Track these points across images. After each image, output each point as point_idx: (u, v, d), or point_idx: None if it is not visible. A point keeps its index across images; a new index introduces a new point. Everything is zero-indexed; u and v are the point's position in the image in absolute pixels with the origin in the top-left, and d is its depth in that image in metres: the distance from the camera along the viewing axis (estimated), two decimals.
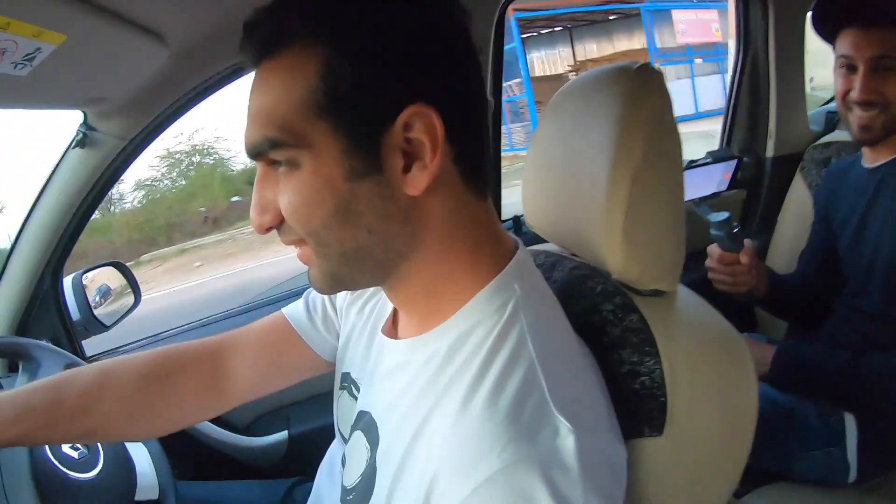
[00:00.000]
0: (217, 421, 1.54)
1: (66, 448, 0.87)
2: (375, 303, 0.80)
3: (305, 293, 0.91)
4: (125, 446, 1.00)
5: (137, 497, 0.94)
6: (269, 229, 0.61)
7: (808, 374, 1.26)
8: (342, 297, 0.86)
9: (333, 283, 0.64)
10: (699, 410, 0.66)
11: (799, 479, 1.28)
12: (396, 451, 0.61)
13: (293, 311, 0.90)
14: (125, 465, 0.96)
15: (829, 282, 1.44)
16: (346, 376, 0.81)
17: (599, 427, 0.58)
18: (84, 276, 1.45)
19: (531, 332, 0.59)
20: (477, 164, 0.62)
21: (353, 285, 0.67)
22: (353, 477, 0.69)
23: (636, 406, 0.66)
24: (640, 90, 0.66)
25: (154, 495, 0.97)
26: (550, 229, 0.81)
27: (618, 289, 0.73)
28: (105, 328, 1.47)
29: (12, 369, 1.32)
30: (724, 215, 1.27)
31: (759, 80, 1.94)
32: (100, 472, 0.89)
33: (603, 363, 0.66)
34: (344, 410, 0.81)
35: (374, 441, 0.66)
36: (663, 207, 0.69)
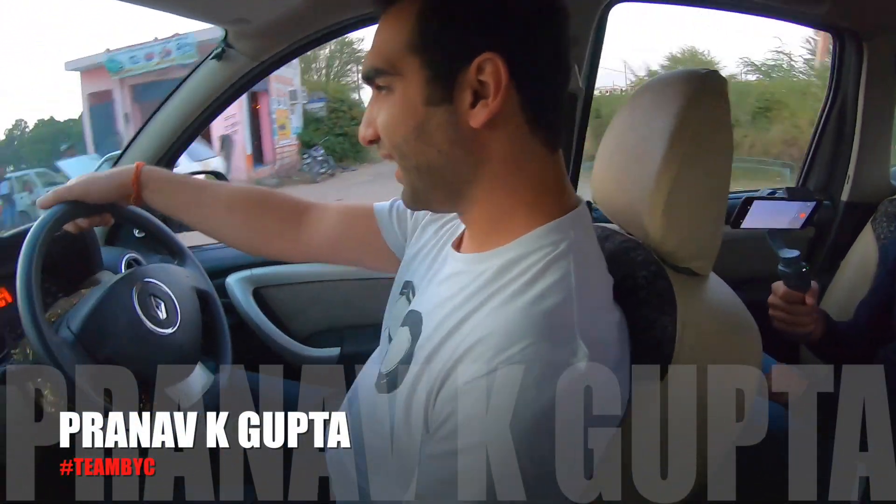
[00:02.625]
0: (279, 326, 1.70)
1: (153, 310, 1.02)
2: (451, 226, 0.91)
3: (394, 199, 1.04)
4: (200, 318, 1.15)
5: (196, 372, 1.08)
6: (370, 142, 0.74)
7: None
8: (423, 213, 0.98)
9: (415, 198, 0.77)
10: (699, 371, 0.76)
11: None
12: (432, 342, 0.71)
13: (380, 205, 1.05)
14: (196, 331, 1.11)
15: (883, 334, 1.40)
16: (407, 283, 0.92)
17: (608, 363, 0.66)
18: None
19: (575, 272, 0.68)
20: (546, 116, 0.71)
21: (431, 204, 0.79)
22: (390, 364, 0.79)
23: (645, 353, 0.76)
24: (701, 91, 0.77)
25: (209, 377, 1.11)
26: (612, 208, 0.89)
27: (656, 261, 0.82)
28: (189, 228, 1.63)
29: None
30: (794, 253, 1.27)
31: (846, 123, 1.93)
32: (176, 331, 1.04)
33: (629, 317, 0.75)
34: (396, 313, 0.90)
35: (416, 334, 0.76)
36: (705, 194, 0.79)
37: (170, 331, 1.03)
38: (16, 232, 1.10)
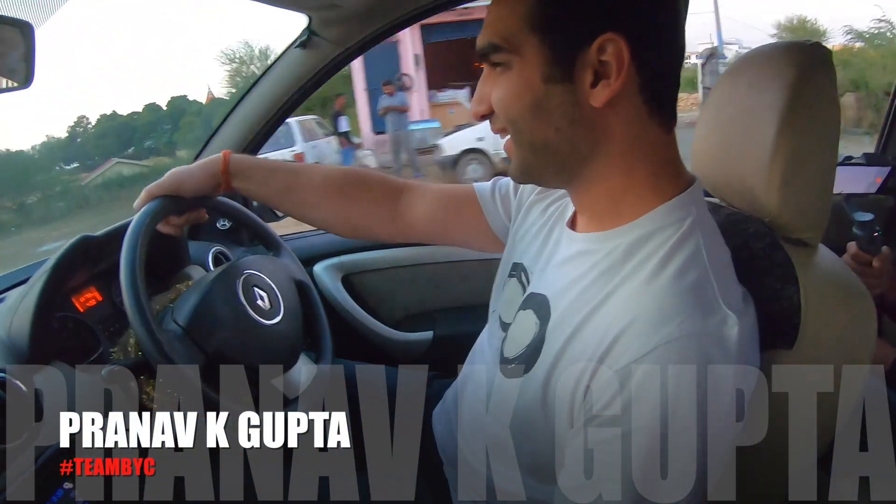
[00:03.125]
0: (370, 312, 1.68)
1: (257, 301, 1.00)
2: (558, 206, 0.89)
3: (495, 178, 1.05)
4: (301, 310, 1.12)
5: (301, 359, 1.07)
6: (482, 117, 0.74)
7: None
8: (528, 191, 0.96)
9: (525, 173, 0.75)
10: (823, 336, 0.76)
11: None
12: (568, 324, 0.70)
13: (481, 185, 1.04)
14: (298, 322, 1.08)
15: None
16: (517, 265, 0.90)
17: (753, 334, 0.68)
18: None
19: (706, 248, 0.68)
20: (662, 98, 0.70)
21: (541, 180, 0.78)
22: (517, 349, 0.78)
23: (773, 324, 0.76)
24: (811, 63, 0.76)
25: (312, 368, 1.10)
26: (714, 180, 0.87)
27: (769, 232, 0.81)
28: (277, 218, 1.60)
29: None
30: (868, 216, 1.27)
31: None
32: (280, 321, 1.01)
33: (748, 288, 0.74)
34: (509, 296, 0.89)
35: (544, 317, 0.75)
36: (818, 166, 0.78)
37: (274, 321, 1.01)
38: (108, 231, 1.09)
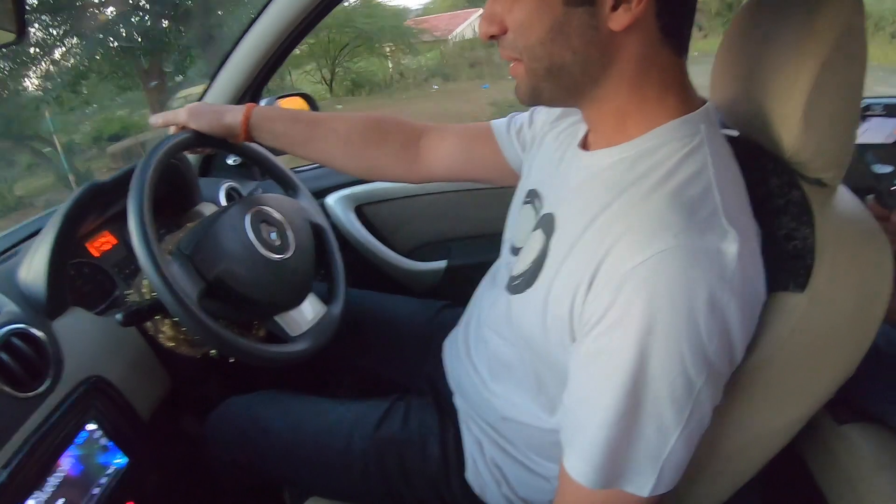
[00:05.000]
0: (383, 241, 1.68)
1: (265, 235, 1.01)
2: (571, 130, 0.89)
3: (511, 115, 1.07)
4: (314, 251, 1.13)
5: (307, 302, 1.09)
6: (492, 37, 0.72)
7: None
8: (541, 122, 0.98)
9: (535, 96, 0.74)
10: (838, 280, 0.74)
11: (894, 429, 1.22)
12: (571, 233, 0.71)
13: (499, 121, 1.07)
14: (309, 261, 1.10)
15: None
16: (532, 192, 0.91)
17: (757, 252, 0.67)
18: (277, 102, 1.56)
19: (713, 164, 0.68)
20: (677, 23, 0.69)
21: (550, 101, 0.76)
22: (524, 265, 0.80)
23: (785, 263, 0.75)
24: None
25: (320, 307, 1.11)
26: (733, 108, 0.84)
27: (787, 169, 0.79)
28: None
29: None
30: (888, 169, 1.25)
31: None
32: (289, 258, 1.03)
33: (762, 224, 0.73)
34: (522, 222, 0.91)
35: (549, 231, 0.77)
36: (841, 103, 0.73)
37: (282, 257, 1.02)
38: (117, 176, 1.10)
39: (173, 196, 1.24)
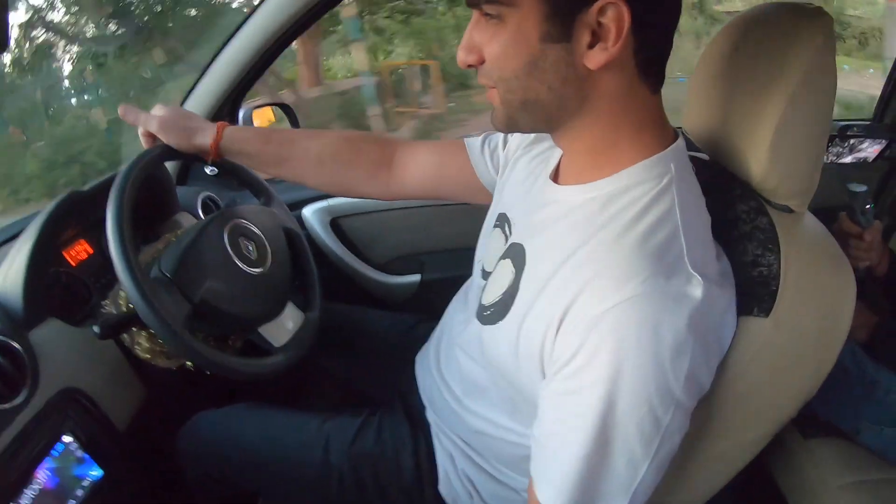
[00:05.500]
0: (358, 255, 1.69)
1: (244, 250, 1.02)
2: (544, 158, 0.90)
3: (485, 133, 1.07)
4: (289, 258, 1.15)
5: (286, 311, 1.10)
6: (469, 66, 0.72)
7: None
8: (515, 146, 0.99)
9: (510, 125, 0.75)
10: (802, 304, 0.77)
11: (862, 445, 1.27)
12: (543, 271, 0.72)
13: (471, 139, 1.07)
14: (286, 271, 1.11)
15: None
16: (502, 216, 0.92)
17: (722, 292, 0.69)
18: (254, 111, 1.55)
19: (679, 206, 0.69)
20: (655, 62, 0.70)
21: (525, 129, 0.78)
22: (494, 296, 0.81)
23: (751, 289, 0.77)
24: (810, 29, 0.73)
25: (299, 314, 1.13)
26: (706, 136, 0.86)
27: (755, 196, 0.82)
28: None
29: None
30: (862, 188, 1.27)
31: None
32: (266, 270, 1.04)
33: (728, 251, 0.77)
34: (492, 246, 0.92)
35: (520, 265, 0.78)
36: (809, 133, 0.77)
37: (260, 270, 1.04)
38: (96, 184, 1.10)
39: (151, 205, 1.24)
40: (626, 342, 0.61)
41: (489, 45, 0.69)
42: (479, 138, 1.06)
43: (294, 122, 1.68)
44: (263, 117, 1.62)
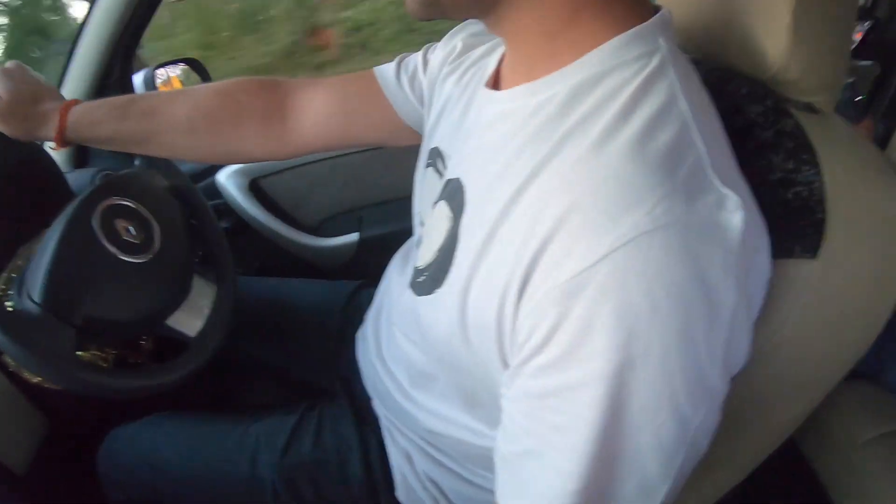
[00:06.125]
0: (284, 219, 1.50)
1: (123, 235, 0.83)
2: (477, 69, 0.71)
3: (400, 56, 0.87)
4: (184, 224, 0.96)
5: (194, 284, 0.91)
6: None
7: None
8: (438, 62, 0.79)
9: (428, 5, 0.54)
10: (857, 237, 0.57)
11: (885, 387, 1.16)
12: (487, 213, 0.51)
13: (383, 67, 0.87)
14: (182, 243, 0.92)
15: None
16: (433, 151, 0.74)
17: (761, 221, 0.48)
18: (156, 72, 1.39)
19: (684, 93, 0.48)
20: None
21: (452, 10, 0.56)
22: (428, 255, 0.61)
23: (787, 220, 0.57)
24: None
25: (212, 290, 0.94)
26: (688, 25, 0.68)
27: (768, 92, 0.62)
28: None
29: None
30: (850, 78, 1.14)
31: None
32: (158, 251, 0.86)
33: (746, 169, 0.53)
34: (427, 189, 0.74)
35: (457, 208, 0.58)
36: (837, 9, 0.59)
37: (149, 256, 0.84)
38: None
39: (31, 196, 1.02)
40: (636, 311, 0.40)
41: None
42: (392, 65, 0.86)
43: (206, 80, 1.49)
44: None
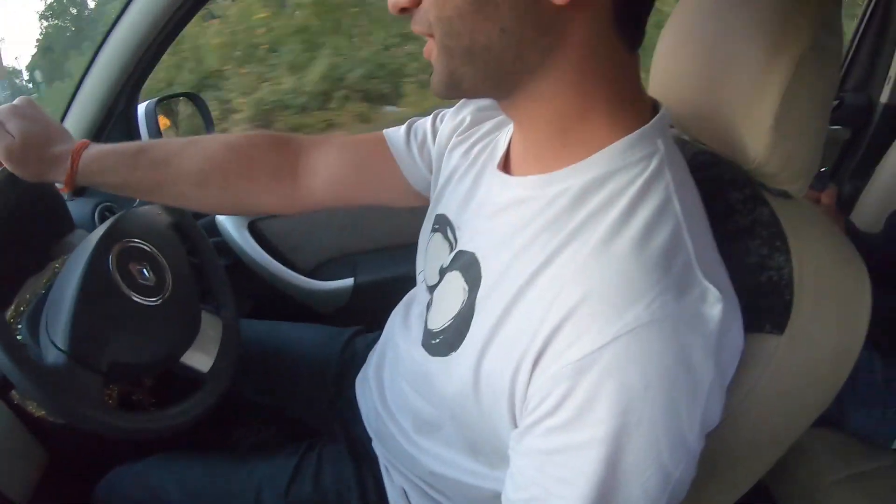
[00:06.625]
0: (282, 261, 1.53)
1: (138, 278, 0.86)
2: (486, 144, 0.76)
3: (410, 121, 0.91)
4: (188, 263, 0.99)
5: (203, 325, 0.94)
6: (403, 10, 0.58)
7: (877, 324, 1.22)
8: (447, 133, 0.83)
9: (451, 85, 0.59)
10: (820, 316, 0.65)
11: (847, 431, 1.22)
12: (504, 290, 0.58)
13: (393, 131, 0.90)
14: (189, 281, 0.96)
15: None
16: (440, 217, 0.78)
17: (736, 309, 0.55)
18: (158, 105, 1.41)
19: (678, 193, 0.56)
20: (635, 9, 0.57)
21: (471, 91, 0.61)
22: (442, 319, 0.67)
23: (759, 300, 0.64)
24: None
25: (218, 326, 0.97)
26: (678, 109, 0.73)
27: (747, 180, 0.69)
28: None
29: None
30: None
31: (892, 21, 1.81)
32: (170, 293, 0.89)
33: (724, 251, 0.60)
34: (434, 254, 0.78)
35: (474, 281, 0.64)
36: (817, 103, 0.64)
37: (162, 298, 0.87)
38: None
39: (34, 227, 1.05)
40: (633, 388, 0.48)
41: None
42: (403, 129, 0.90)
43: (206, 116, 1.52)
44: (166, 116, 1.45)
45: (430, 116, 0.89)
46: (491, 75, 0.58)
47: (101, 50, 1.26)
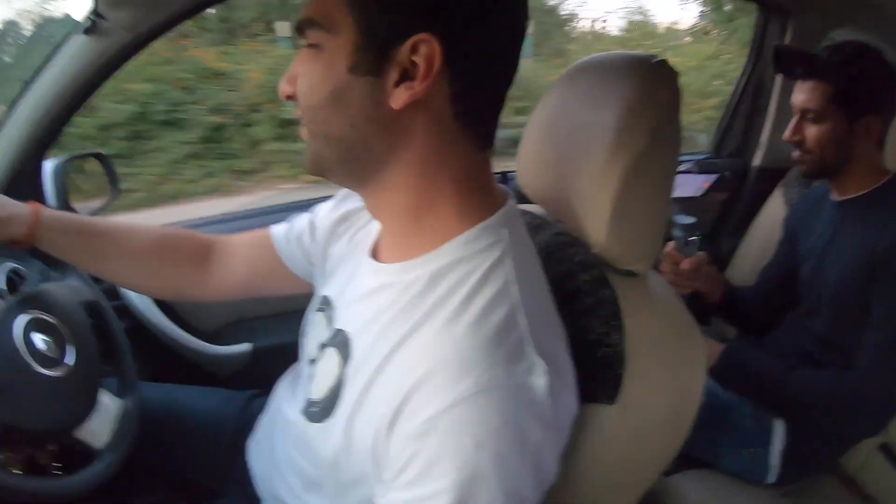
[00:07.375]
0: (181, 325, 1.55)
1: (40, 348, 0.88)
2: (365, 234, 0.85)
3: (289, 219, 1.00)
4: (94, 341, 1.01)
5: (102, 404, 0.96)
6: (288, 97, 0.68)
7: (746, 376, 1.36)
8: (328, 227, 0.92)
9: (317, 165, 0.70)
10: (650, 388, 0.73)
11: (723, 471, 1.36)
12: (368, 365, 0.67)
13: (277, 229, 1.01)
14: (92, 359, 0.97)
15: (784, 299, 1.51)
16: (324, 299, 0.86)
17: (566, 379, 0.65)
18: (67, 163, 1.40)
19: (517, 281, 0.65)
20: (478, 113, 0.66)
21: (334, 175, 0.71)
22: (321, 390, 0.75)
23: (594, 373, 0.71)
24: (654, 82, 0.70)
25: (117, 405, 1.00)
26: (541, 193, 0.83)
27: (596, 262, 0.77)
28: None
29: None
30: (689, 220, 1.38)
31: (764, 92, 2.00)
32: (72, 367, 0.91)
33: (570, 327, 0.70)
34: (316, 330, 0.85)
35: (346, 356, 0.72)
36: (654, 195, 0.73)
37: (64, 369, 0.90)
38: None
39: None
40: (466, 448, 0.56)
41: (303, 75, 0.66)
42: (283, 228, 1.00)
43: (112, 175, 1.50)
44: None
45: (308, 214, 0.99)
46: (347, 161, 0.68)
47: (11, 113, 1.28)
